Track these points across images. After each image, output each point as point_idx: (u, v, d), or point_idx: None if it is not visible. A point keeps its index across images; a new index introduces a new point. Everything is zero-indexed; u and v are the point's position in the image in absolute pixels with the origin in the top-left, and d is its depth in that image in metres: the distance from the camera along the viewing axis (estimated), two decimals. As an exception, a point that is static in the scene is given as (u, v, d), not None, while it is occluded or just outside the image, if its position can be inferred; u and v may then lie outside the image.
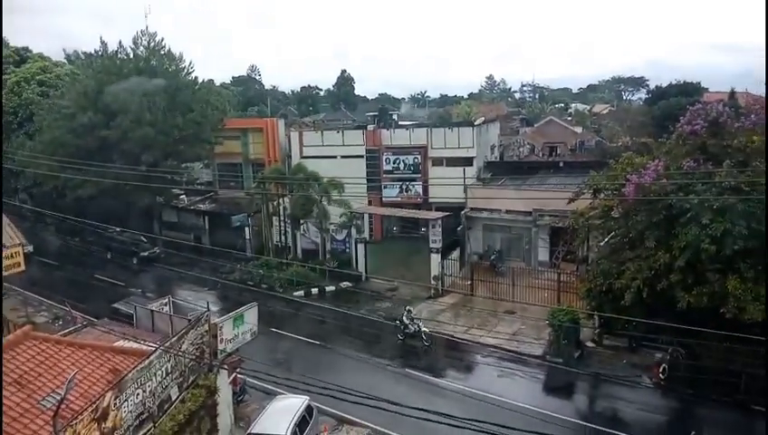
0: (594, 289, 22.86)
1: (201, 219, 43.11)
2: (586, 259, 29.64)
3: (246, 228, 39.01)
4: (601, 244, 26.05)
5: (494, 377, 23.02)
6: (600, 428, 19.37)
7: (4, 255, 22.86)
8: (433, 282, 31.65)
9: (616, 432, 18.85)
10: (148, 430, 13.93)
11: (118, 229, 39.37)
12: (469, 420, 10.81)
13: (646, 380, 21.97)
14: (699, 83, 60.47)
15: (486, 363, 24.23)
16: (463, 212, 35.49)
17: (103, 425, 12.46)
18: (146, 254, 38.84)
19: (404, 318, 26.30)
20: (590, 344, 24.92)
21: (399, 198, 39.17)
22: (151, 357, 14.22)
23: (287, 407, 17.69)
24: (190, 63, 43.30)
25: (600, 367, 23.17)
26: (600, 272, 23.03)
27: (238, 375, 19.73)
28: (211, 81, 60.06)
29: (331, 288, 33.01)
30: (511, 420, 17.22)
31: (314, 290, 32.74)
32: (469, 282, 31.66)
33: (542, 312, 26.13)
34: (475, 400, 20.56)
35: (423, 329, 25.73)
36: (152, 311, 20.23)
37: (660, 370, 21.68)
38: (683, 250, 19.25)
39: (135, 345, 16.35)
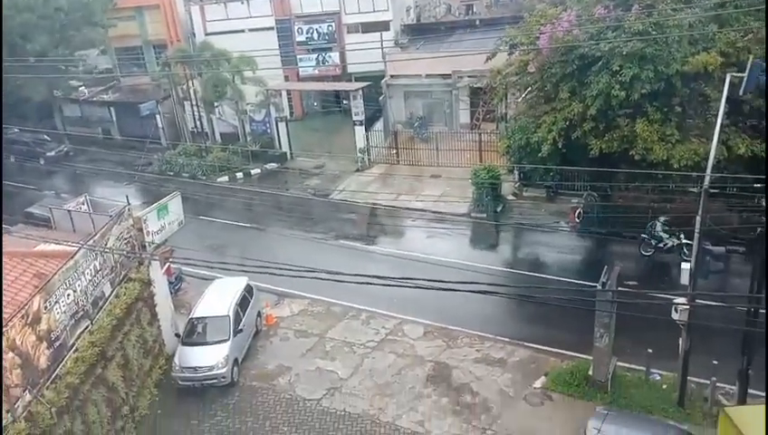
0: (513, 145, 23.60)
1: (107, 111, 40.27)
2: (505, 117, 30.24)
3: (157, 116, 36.91)
4: (519, 100, 26.55)
5: (423, 238, 23.99)
6: (524, 272, 20.94)
7: None
8: (359, 155, 31.61)
9: (538, 275, 20.44)
10: (86, 328, 13.90)
11: (17, 130, 36.42)
12: (402, 278, 11.35)
13: (563, 225, 23.52)
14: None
15: (416, 226, 25.12)
16: (383, 81, 34.81)
17: (38, 328, 12.32)
18: (53, 153, 36.32)
19: (657, 230, 20.54)
20: (511, 198, 26.17)
21: (317, 71, 37.86)
22: (76, 257, 13.85)
23: (226, 289, 17.94)
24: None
25: (520, 218, 24.53)
26: (519, 128, 23.72)
27: (172, 265, 19.65)
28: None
29: (256, 171, 32.47)
30: (440, 274, 18.25)
31: (239, 174, 32.12)
32: (394, 151, 31.88)
33: (465, 172, 26.88)
34: (406, 260, 21.51)
35: (684, 241, 19.78)
36: (69, 211, 19.38)
37: (576, 214, 23.19)
38: (595, 98, 19.90)
39: (57, 247, 15.78)
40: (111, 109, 40.01)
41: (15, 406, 11.07)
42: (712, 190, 13.61)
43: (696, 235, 13.37)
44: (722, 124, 13.48)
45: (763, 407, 7.42)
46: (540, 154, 21.64)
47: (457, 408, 14.99)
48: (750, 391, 13.20)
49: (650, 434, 12.03)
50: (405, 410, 15.01)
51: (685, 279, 14.11)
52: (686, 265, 14.12)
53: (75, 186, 31.13)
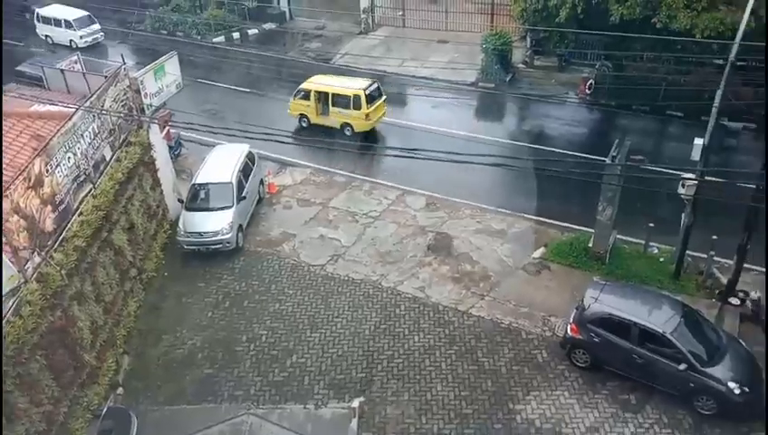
0: (529, 8, 22.26)
1: (92, -38, 37.53)
2: (520, -23, 28.24)
3: (147, -33, 34.46)
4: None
5: (428, 108, 23.26)
6: (528, 144, 20.61)
7: None
8: (363, 15, 29.92)
9: (544, 147, 20.13)
10: (89, 192, 13.84)
11: (-3, -19, 34.08)
12: (404, 149, 11.11)
13: (573, 97, 22.80)
14: None
15: (420, 96, 24.30)
16: (388, -68, 32.08)
17: (41, 191, 12.23)
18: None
19: None
20: (521, 66, 25.16)
21: None
22: (74, 118, 13.44)
23: (228, 155, 17.67)
24: None
25: (529, 88, 23.75)
26: (535, -11, 22.19)
27: (171, 129, 19.23)
28: None
29: (253, 31, 30.90)
30: (445, 145, 17.98)
31: (236, 34, 30.58)
32: (401, 13, 30.13)
33: (475, 38, 25.60)
34: (410, 130, 21.05)
35: None
36: (62, 70, 18.59)
37: (587, 86, 22.40)
38: (621, -42, 18.45)
39: (53, 108, 15.30)
40: (97, -42, 37.20)
41: (26, 267, 11.25)
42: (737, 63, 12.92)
43: (714, 108, 12.92)
44: (756, -11, 12.50)
45: None
46: (557, 19, 20.46)
47: (457, 275, 15.38)
48: (745, 265, 13.47)
49: (645, 303, 12.39)
50: (406, 277, 15.41)
51: (696, 154, 13.83)
52: (698, 141, 13.78)
53: (65, 44, 29.76)
